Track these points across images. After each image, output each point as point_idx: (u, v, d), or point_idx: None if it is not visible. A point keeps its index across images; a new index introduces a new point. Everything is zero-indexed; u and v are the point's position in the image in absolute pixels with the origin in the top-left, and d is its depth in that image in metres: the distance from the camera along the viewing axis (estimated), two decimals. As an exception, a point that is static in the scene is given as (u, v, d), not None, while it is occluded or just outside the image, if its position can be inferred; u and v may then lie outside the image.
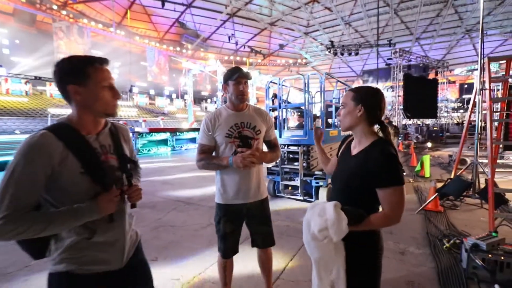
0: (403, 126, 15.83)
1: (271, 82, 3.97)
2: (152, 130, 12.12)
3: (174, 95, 29.31)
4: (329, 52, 19.20)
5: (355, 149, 1.15)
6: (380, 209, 1.05)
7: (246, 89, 1.55)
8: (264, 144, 1.69)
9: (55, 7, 21.13)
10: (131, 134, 1.18)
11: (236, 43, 26.90)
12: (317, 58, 30.17)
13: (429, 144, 12.33)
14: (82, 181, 0.88)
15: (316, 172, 3.66)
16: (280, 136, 3.86)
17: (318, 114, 4.89)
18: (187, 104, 20.09)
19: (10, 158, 0.87)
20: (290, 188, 3.98)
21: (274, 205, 3.95)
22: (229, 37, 24.75)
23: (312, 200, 3.87)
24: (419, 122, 17.71)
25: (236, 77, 1.51)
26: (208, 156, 1.58)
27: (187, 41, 27.33)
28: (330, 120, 5.19)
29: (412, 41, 24.34)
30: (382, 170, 1.00)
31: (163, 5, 17.70)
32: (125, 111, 23.27)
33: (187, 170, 7.32)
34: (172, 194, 4.87)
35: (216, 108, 15.60)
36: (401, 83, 16.14)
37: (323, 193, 3.65)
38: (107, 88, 0.94)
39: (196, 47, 27.40)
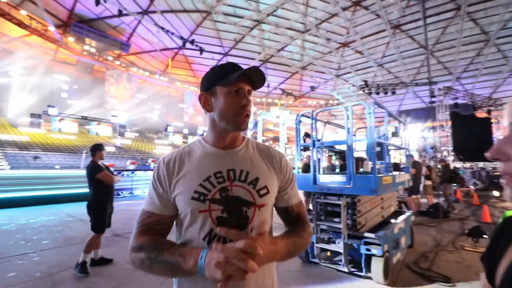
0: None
1: (302, 115, 3.30)
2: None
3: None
4: (363, 92, 18.60)
5: None
6: None
7: (250, 105, 0.79)
8: (278, 215, 0.88)
9: (110, 58, 24.10)
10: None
11: (268, 86, 27.72)
12: (349, 99, 29.78)
13: (496, 193, 10.23)
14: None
15: (366, 234, 2.67)
16: (315, 182, 3.02)
17: (359, 156, 4.03)
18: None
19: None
20: (329, 253, 3.00)
21: (306, 277, 2.95)
22: (261, 81, 25.67)
23: (361, 274, 2.81)
24: (472, 166, 15.58)
25: (237, 77, 0.75)
26: (156, 243, 0.71)
27: (221, 85, 29.23)
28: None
29: (452, 80, 23.06)
30: None
31: (201, 53, 19.08)
32: (160, 148, 24.49)
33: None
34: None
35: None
36: (447, 123, 14.68)
37: (377, 265, 2.60)
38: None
39: (229, 90, 28.84)
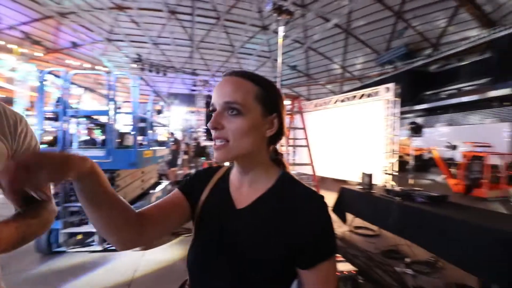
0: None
1: (49, 73, 2.55)
2: None
3: None
4: (137, 66, 17.96)
5: (245, 196, 0.60)
6: None
7: None
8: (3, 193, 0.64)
9: None
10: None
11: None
12: (121, 70, 27.48)
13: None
14: None
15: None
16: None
17: (123, 130, 3.93)
18: None
19: None
20: (80, 236, 2.63)
21: (50, 274, 2.43)
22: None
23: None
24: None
25: None
26: None
27: None
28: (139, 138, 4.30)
29: (209, 75, 28.89)
30: (322, 236, 0.53)
31: None
32: None
33: None
34: None
35: None
36: (203, 109, 18.35)
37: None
38: None
39: None
